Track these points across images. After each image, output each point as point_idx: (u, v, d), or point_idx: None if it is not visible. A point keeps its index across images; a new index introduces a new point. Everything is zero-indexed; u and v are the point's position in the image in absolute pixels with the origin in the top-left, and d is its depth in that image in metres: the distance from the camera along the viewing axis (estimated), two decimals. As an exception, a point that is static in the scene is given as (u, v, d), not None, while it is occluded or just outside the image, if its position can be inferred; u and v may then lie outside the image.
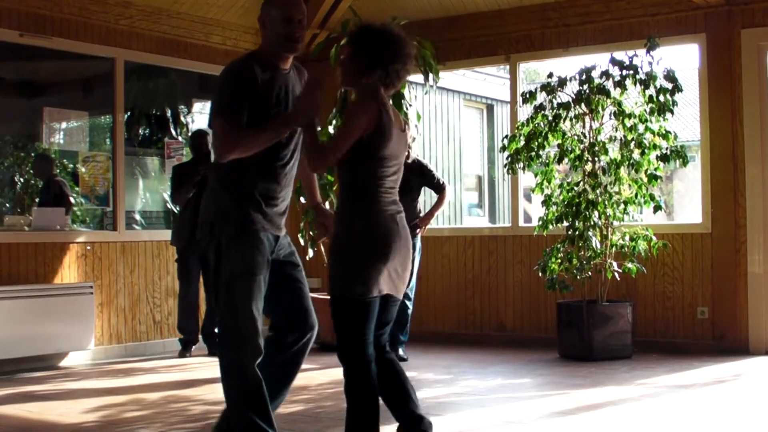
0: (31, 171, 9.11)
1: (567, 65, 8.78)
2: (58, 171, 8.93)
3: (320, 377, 6.97)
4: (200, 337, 8.41)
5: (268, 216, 4.03)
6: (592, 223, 7.58)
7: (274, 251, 4.07)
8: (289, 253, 4.21)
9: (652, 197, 7.66)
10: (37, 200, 8.97)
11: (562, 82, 7.76)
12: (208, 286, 8.30)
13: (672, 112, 7.58)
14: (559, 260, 7.70)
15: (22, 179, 9.16)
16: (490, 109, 15.90)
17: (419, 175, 7.58)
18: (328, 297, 3.90)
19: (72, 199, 8.68)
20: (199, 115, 10.86)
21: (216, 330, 8.34)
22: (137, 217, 9.45)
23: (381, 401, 3.89)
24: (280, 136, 3.99)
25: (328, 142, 3.94)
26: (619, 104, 7.64)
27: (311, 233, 8.19)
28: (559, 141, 7.79)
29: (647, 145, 7.57)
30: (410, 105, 8.04)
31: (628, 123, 7.61)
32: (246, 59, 4.01)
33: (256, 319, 3.95)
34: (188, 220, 8.18)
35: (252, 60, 3.99)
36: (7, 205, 9.05)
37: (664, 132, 7.56)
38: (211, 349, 8.32)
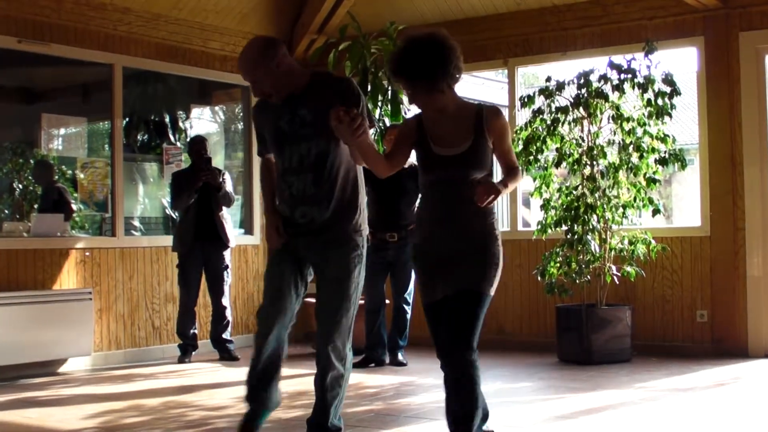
0: (30, 177, 9.09)
1: (565, 69, 8.80)
2: (57, 177, 8.92)
3: (320, 382, 6.96)
4: (210, 343, 8.42)
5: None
6: (590, 226, 7.58)
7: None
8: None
9: (650, 201, 7.66)
10: (36, 206, 8.96)
11: (561, 86, 7.77)
12: (218, 291, 8.31)
13: (670, 115, 7.58)
14: (558, 264, 7.70)
15: (20, 185, 9.14)
16: (488, 113, 15.88)
17: (416, 180, 7.57)
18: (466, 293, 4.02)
19: (73, 206, 8.68)
20: (198, 121, 10.86)
21: (224, 335, 8.35)
22: (136, 223, 9.43)
23: None
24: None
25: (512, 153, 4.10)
26: (618, 108, 7.65)
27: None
28: (558, 145, 7.79)
29: (646, 148, 7.57)
30: (408, 110, 8.04)
31: (627, 127, 7.61)
32: (255, 104, 4.62)
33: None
34: (190, 225, 8.18)
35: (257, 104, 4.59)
36: (6, 211, 9.03)
37: (662, 135, 7.57)
38: (223, 354, 8.32)
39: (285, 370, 7.26)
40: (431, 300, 4.09)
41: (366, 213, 4.59)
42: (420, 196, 4.23)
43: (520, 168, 3.97)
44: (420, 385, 6.70)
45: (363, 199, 4.55)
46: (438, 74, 3.81)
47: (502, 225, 14.88)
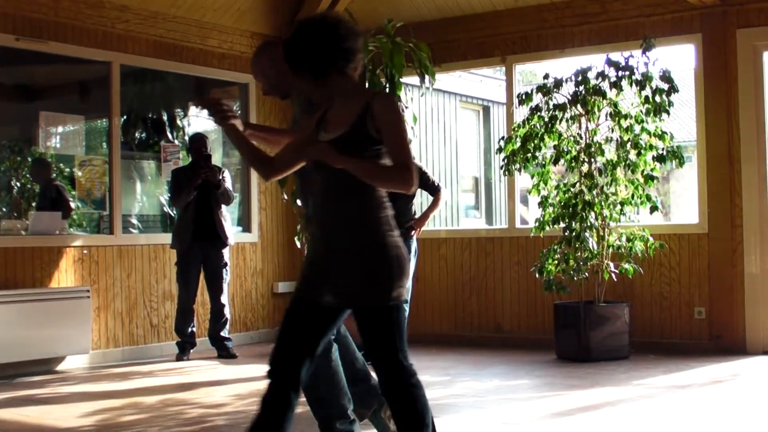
0: (28, 175, 9.09)
1: (563, 66, 8.79)
2: (54, 175, 8.92)
3: (318, 380, 6.97)
4: (208, 341, 8.42)
5: None
6: (588, 224, 7.59)
7: None
8: None
9: (648, 198, 7.66)
10: (33, 204, 8.96)
11: (558, 84, 7.77)
12: (216, 289, 8.30)
13: (668, 112, 7.58)
14: (556, 261, 7.71)
15: (18, 183, 9.14)
16: (486, 110, 15.90)
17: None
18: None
19: (72, 204, 8.68)
20: (195, 119, 10.86)
21: (222, 333, 8.35)
22: (134, 220, 9.43)
23: None
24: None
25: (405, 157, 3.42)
26: (615, 105, 7.65)
27: (307, 236, 8.18)
28: (556, 142, 7.80)
29: (643, 145, 7.57)
30: (406, 107, 8.03)
31: (624, 124, 7.62)
32: None
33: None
34: (189, 223, 8.18)
35: None
36: (4, 209, 9.04)
37: (660, 132, 7.57)
38: (221, 352, 8.32)
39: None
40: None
41: None
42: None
43: (415, 169, 3.37)
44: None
45: None
46: (314, 61, 3.40)
47: (500, 222, 14.90)
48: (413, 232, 7.43)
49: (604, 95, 7.59)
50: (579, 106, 7.67)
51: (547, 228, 7.86)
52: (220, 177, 8.21)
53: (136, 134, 10.06)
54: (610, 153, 7.68)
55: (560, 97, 7.78)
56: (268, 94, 4.55)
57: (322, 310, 3.43)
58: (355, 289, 3.38)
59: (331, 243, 3.42)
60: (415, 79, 8.18)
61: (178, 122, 10.38)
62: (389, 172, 3.40)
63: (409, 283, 7.82)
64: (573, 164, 7.71)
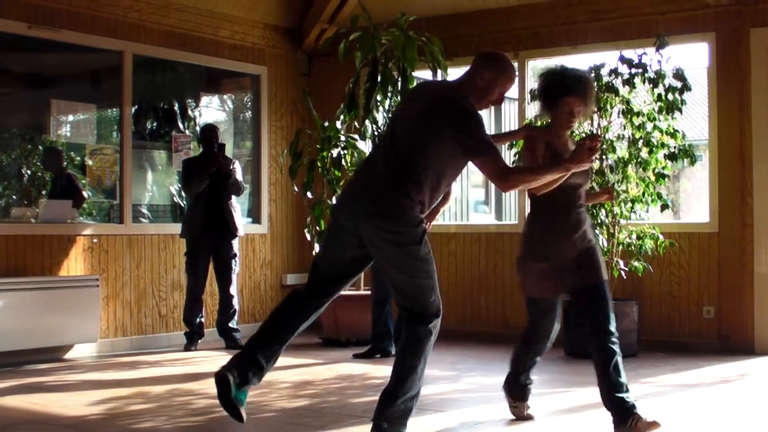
0: (39, 163, 9.11)
1: (575, 63, 8.73)
2: (66, 164, 8.93)
3: (325, 372, 6.97)
4: (216, 331, 8.43)
5: None
6: (599, 221, 7.57)
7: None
8: None
9: (659, 196, 7.64)
10: (44, 192, 8.97)
11: (571, 80, 7.73)
12: (225, 280, 8.31)
13: (680, 110, 7.56)
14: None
15: (29, 171, 9.16)
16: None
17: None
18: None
19: (84, 193, 8.69)
20: (206, 109, 10.87)
21: (230, 324, 8.35)
22: (144, 210, 9.45)
23: None
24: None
25: None
26: (628, 102, 7.62)
27: (317, 228, 8.19)
28: (567, 138, 7.76)
29: (655, 143, 7.55)
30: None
31: (637, 121, 7.59)
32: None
33: None
34: (199, 213, 8.19)
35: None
36: (14, 197, 9.05)
37: (672, 131, 7.55)
38: (229, 342, 8.32)
39: (292, 360, 7.29)
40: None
41: None
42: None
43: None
44: (426, 376, 6.63)
45: None
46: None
47: (509, 218, 14.87)
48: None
49: (616, 92, 7.56)
50: (591, 102, 7.63)
51: (557, 224, 7.83)
52: (231, 167, 8.22)
53: (148, 124, 10.07)
54: (622, 150, 7.66)
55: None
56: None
57: None
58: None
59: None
60: (427, 73, 8.17)
61: (190, 113, 10.39)
62: None
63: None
64: (584, 161, 7.68)
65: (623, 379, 4.65)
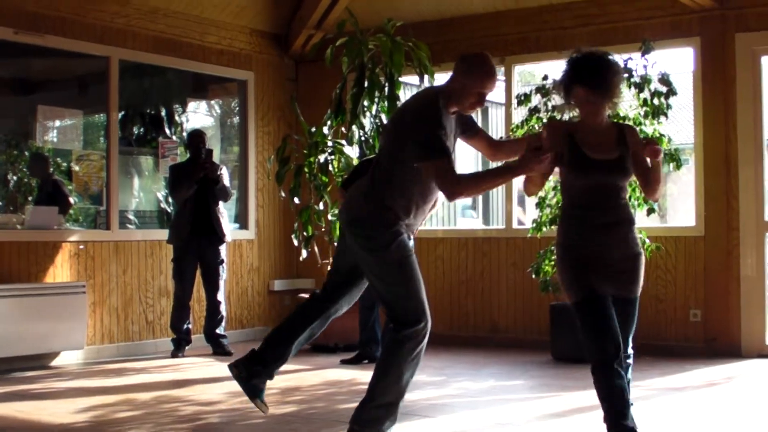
0: (25, 169, 9.07)
1: (562, 68, 8.76)
2: (52, 170, 8.90)
3: (312, 378, 6.97)
4: (204, 337, 8.41)
5: None
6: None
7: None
8: None
9: (645, 200, 7.66)
10: (30, 198, 8.94)
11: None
12: (213, 286, 8.29)
13: (666, 115, 7.58)
14: (553, 262, 7.70)
15: (15, 177, 9.12)
16: (484, 110, 15.89)
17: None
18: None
19: (71, 199, 8.67)
20: (193, 115, 10.85)
21: (218, 330, 8.33)
22: (131, 216, 9.42)
23: None
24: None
25: None
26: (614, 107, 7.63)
27: (304, 234, 8.19)
28: (554, 143, 7.77)
29: (641, 148, 7.56)
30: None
31: (623, 126, 7.60)
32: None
33: None
34: (186, 219, 8.17)
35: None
36: (0, 203, 9.02)
37: (658, 135, 7.56)
38: (216, 349, 8.30)
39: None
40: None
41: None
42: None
43: None
44: (414, 381, 6.66)
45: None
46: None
47: (497, 223, 14.90)
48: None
49: (602, 97, 7.56)
50: (577, 107, 7.65)
51: (544, 229, 7.86)
52: (219, 173, 8.21)
53: (134, 129, 10.05)
54: (608, 155, 7.66)
55: (559, 98, 7.76)
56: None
57: None
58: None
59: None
60: (414, 79, 8.18)
61: (177, 118, 10.38)
62: None
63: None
64: (571, 165, 7.69)
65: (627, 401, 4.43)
